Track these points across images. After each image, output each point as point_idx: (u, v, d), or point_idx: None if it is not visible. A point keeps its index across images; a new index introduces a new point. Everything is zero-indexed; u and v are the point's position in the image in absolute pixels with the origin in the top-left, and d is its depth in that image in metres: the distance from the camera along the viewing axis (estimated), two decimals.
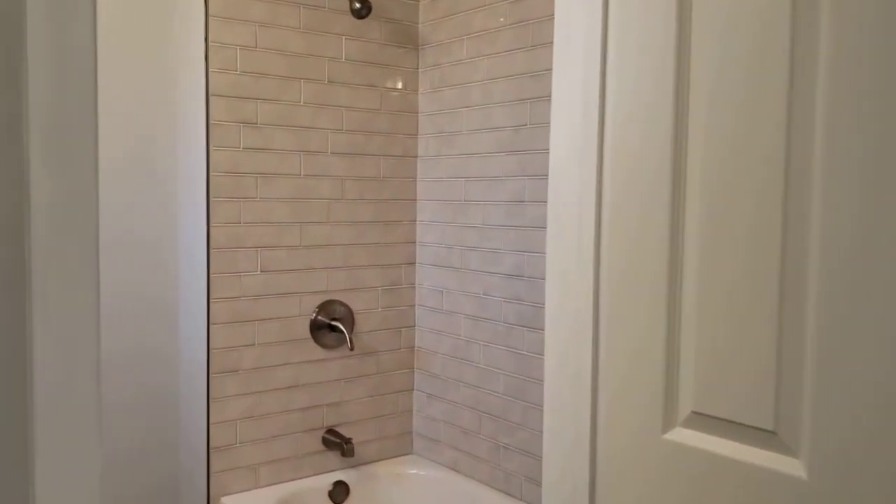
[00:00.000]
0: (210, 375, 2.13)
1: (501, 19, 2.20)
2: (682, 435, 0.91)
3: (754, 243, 0.84)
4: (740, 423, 0.85)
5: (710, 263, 0.89)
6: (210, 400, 2.13)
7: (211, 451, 2.14)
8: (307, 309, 2.29)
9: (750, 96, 0.84)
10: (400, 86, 2.44)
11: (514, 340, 2.21)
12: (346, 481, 2.34)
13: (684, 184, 0.92)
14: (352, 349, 2.26)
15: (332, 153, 2.30)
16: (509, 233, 2.20)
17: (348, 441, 2.30)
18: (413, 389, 2.55)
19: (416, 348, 2.54)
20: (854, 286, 0.76)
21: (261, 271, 2.19)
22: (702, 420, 0.90)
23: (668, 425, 0.93)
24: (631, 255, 0.97)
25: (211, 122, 2.07)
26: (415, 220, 2.50)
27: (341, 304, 2.35)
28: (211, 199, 2.09)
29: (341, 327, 2.29)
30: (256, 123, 2.15)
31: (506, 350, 2.23)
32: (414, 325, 2.53)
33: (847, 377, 0.76)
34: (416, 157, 2.49)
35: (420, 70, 2.47)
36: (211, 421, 2.14)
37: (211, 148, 2.08)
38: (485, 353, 2.30)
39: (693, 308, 0.90)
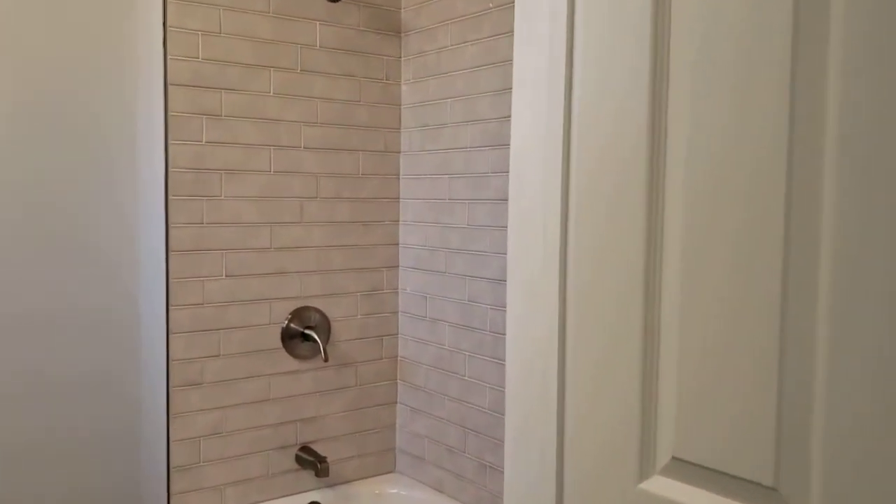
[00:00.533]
0: (170, 389, 1.96)
1: (490, 4, 2.02)
2: (661, 485, 0.73)
3: (750, 253, 0.66)
4: (732, 475, 0.67)
5: (695, 276, 0.70)
6: (170, 415, 1.96)
7: (172, 470, 1.97)
8: (279, 316, 2.12)
9: (744, 77, 0.66)
10: (380, 75, 2.26)
11: (501, 351, 2.02)
12: (322, 502, 2.16)
13: (662, 183, 0.73)
14: (326, 360, 2.09)
15: (305, 148, 2.13)
16: (496, 234, 2.02)
17: (322, 460, 2.13)
18: (396, 402, 2.37)
19: (399, 358, 2.36)
20: (871, 299, 0.57)
21: (226, 276, 2.02)
22: (685, 468, 0.71)
23: (644, 472, 0.74)
24: (600, 264, 0.79)
25: (170, 113, 1.91)
26: (397, 221, 2.33)
27: (316, 311, 2.18)
28: (170, 197, 1.93)
29: (314, 336, 2.11)
30: (220, 115, 1.99)
31: (492, 361, 2.05)
32: (397, 334, 2.35)
33: (868, 424, 0.58)
34: (399, 152, 2.31)
35: (402, 58, 2.29)
36: (172, 438, 1.97)
37: (170, 142, 1.91)
38: (470, 364, 2.12)
39: (674, 329, 0.72)
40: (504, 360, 2.00)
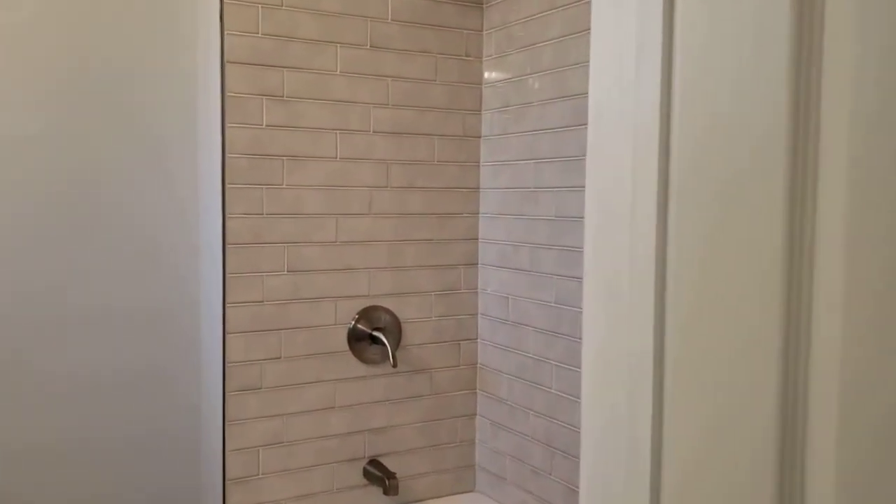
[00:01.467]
0: (226, 394, 1.80)
1: None
2: None
3: None
4: None
5: (864, 287, 0.43)
6: (226, 422, 1.81)
7: (228, 483, 1.82)
8: (345, 316, 1.93)
9: None
10: (460, 51, 2.03)
11: None
12: None
13: (812, 165, 0.46)
14: (394, 366, 1.88)
15: (374, 132, 1.93)
16: None
17: (392, 476, 1.92)
18: (476, 415, 2.14)
19: (478, 366, 2.13)
20: None
21: (288, 271, 1.85)
22: None
23: None
24: (717, 270, 0.53)
25: (227, 94, 1.75)
26: (476, 213, 2.09)
27: (386, 311, 1.98)
28: (227, 185, 1.77)
29: (383, 339, 1.91)
30: (282, 96, 1.81)
31: None
32: (476, 339, 2.12)
33: None
34: (479, 136, 2.08)
35: (484, 32, 2.06)
36: (227, 447, 1.81)
37: (227, 125, 1.76)
38: (558, 375, 1.86)
39: (833, 358, 0.45)
40: None
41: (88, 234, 1.67)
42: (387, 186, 1.96)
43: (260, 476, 1.85)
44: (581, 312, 1.79)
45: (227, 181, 1.77)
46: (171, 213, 1.76)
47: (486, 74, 2.06)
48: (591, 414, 0.67)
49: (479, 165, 2.08)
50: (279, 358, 1.86)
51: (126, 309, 1.73)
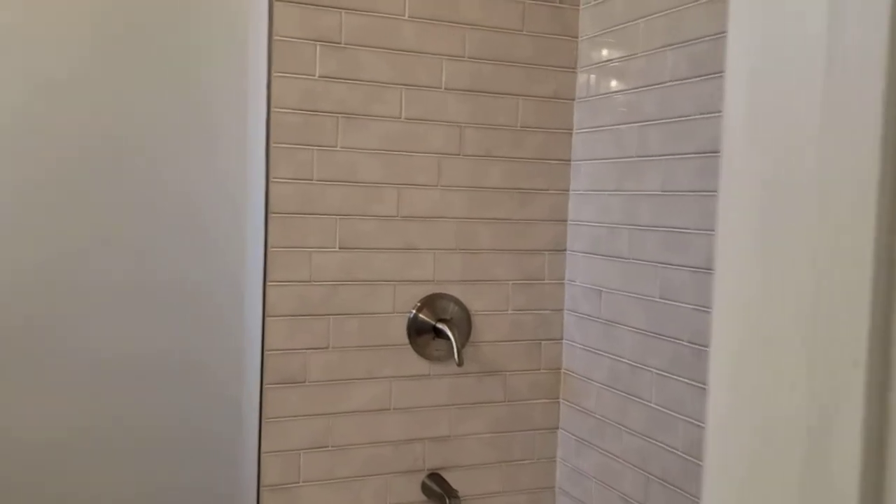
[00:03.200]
0: (263, 387, 1.56)
1: None
2: None
3: None
4: None
5: None
6: (263, 420, 1.56)
7: (262, 489, 1.57)
8: (405, 304, 1.65)
9: None
10: None
11: (706, 371, 1.40)
12: None
13: None
14: (459, 364, 1.58)
15: (447, 89, 1.64)
16: (705, 202, 1.40)
17: (453, 494, 1.63)
18: (557, 428, 1.81)
19: (562, 370, 1.80)
20: None
21: (340, 248, 1.59)
22: None
23: None
24: None
25: (274, 37, 1.50)
26: (566, 189, 1.77)
27: (453, 300, 1.68)
28: (272, 144, 1.52)
29: (448, 332, 1.62)
30: (339, 43, 1.55)
31: (692, 385, 1.43)
32: (560, 339, 1.79)
33: None
34: (573, 99, 1.75)
35: None
36: (263, 449, 1.56)
37: (274, 74, 1.51)
38: (660, 386, 1.51)
39: None
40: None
41: (117, 193, 1.47)
42: (459, 154, 1.66)
43: (300, 484, 1.59)
44: (691, 309, 1.43)
45: (272, 140, 1.52)
46: (215, 174, 1.53)
47: (582, 24, 1.73)
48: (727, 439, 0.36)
49: (571, 133, 1.76)
50: (326, 348, 1.60)
51: (158, 282, 1.51)
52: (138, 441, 1.52)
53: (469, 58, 1.65)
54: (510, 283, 1.73)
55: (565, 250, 1.77)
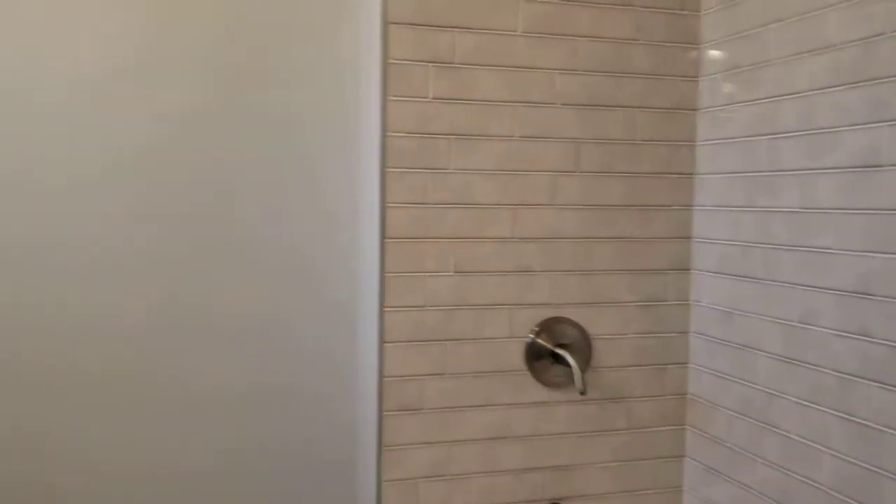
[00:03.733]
0: (382, 413, 1.54)
1: None
2: None
3: None
4: None
5: None
6: (382, 447, 1.54)
7: None
8: (521, 329, 1.60)
9: None
10: (670, 3, 1.63)
11: (853, 402, 1.29)
12: None
13: None
14: (582, 393, 1.52)
15: (562, 105, 1.58)
16: (849, 221, 1.29)
17: None
18: (684, 456, 1.72)
19: (688, 396, 1.71)
20: None
21: (455, 272, 1.55)
22: None
23: None
24: None
25: (389, 61, 1.48)
26: (690, 205, 1.68)
27: (572, 324, 1.62)
28: (387, 169, 1.50)
29: (568, 358, 1.55)
30: (452, 63, 1.52)
31: (836, 416, 1.32)
32: (686, 363, 1.70)
33: None
34: (695, 109, 1.66)
35: None
36: (383, 477, 1.54)
37: (388, 98, 1.49)
38: (800, 416, 1.40)
39: None
40: (859, 418, 1.26)
41: (231, 221, 1.48)
42: (575, 171, 1.60)
43: None
44: (833, 335, 1.32)
45: (387, 164, 1.50)
46: (324, 202, 1.52)
47: (704, 30, 1.64)
48: None
49: (694, 145, 1.67)
50: (442, 374, 1.56)
51: (274, 315, 1.51)
52: (259, 470, 1.53)
53: (583, 70, 1.59)
54: (632, 304, 1.65)
55: (690, 269, 1.68)
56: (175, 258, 1.46)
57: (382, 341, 1.53)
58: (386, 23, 1.48)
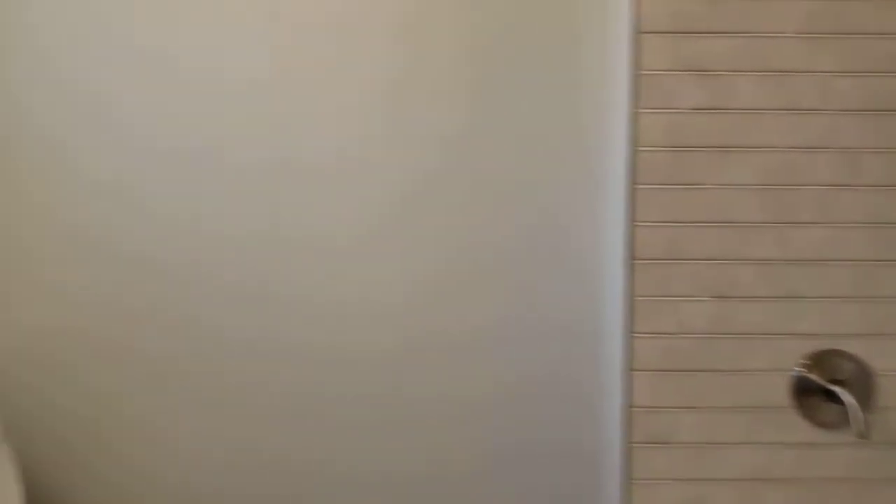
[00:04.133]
0: (631, 445, 1.45)
1: None
2: None
3: None
4: None
5: None
6: (632, 481, 1.45)
7: None
8: (788, 361, 1.44)
9: None
10: None
11: None
12: None
13: None
14: (863, 437, 1.33)
15: (836, 111, 1.41)
16: None
17: None
18: None
19: None
20: None
21: (711, 297, 1.43)
22: None
23: None
24: None
25: (641, 71, 1.41)
26: None
27: (850, 358, 1.43)
28: (637, 185, 1.42)
29: (845, 396, 1.37)
30: (710, 70, 1.41)
31: None
32: None
33: None
34: None
35: None
36: None
37: (640, 111, 1.41)
38: None
39: None
40: None
41: (466, 241, 1.47)
42: (852, 185, 1.42)
43: None
44: None
45: (637, 180, 1.42)
46: (573, 215, 1.48)
47: None
48: None
49: None
50: (695, 407, 1.44)
51: (506, 333, 1.49)
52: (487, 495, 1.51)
53: (862, 72, 1.41)
54: None
55: None
56: (418, 271, 1.48)
57: (630, 369, 1.44)
58: (637, 32, 1.40)
